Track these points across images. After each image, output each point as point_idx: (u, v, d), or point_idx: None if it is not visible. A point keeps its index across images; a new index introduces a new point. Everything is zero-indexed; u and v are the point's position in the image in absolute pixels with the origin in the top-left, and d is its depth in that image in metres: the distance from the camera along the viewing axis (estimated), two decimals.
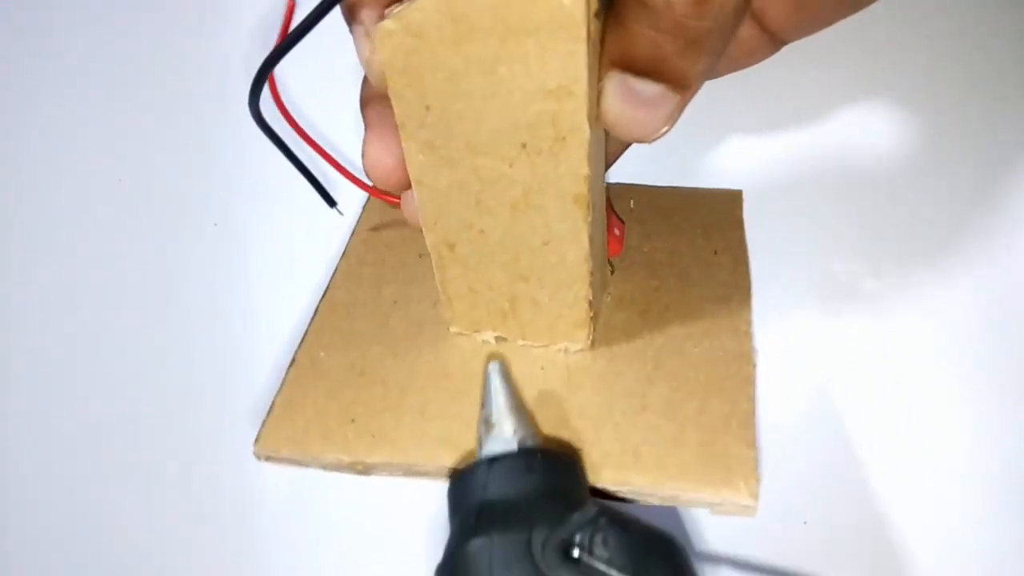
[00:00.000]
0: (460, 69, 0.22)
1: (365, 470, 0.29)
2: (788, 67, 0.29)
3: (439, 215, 0.27)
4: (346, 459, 0.28)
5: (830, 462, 0.32)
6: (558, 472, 0.24)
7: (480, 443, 0.26)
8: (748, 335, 0.30)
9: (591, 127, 0.22)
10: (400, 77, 0.22)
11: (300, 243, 0.39)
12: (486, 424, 0.26)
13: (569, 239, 0.26)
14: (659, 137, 0.22)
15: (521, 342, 0.31)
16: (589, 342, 0.30)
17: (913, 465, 0.31)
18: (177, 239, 0.41)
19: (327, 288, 0.35)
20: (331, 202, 0.34)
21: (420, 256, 0.36)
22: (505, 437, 0.25)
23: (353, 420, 0.29)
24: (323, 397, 0.30)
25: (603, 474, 0.27)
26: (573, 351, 0.31)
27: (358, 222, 0.39)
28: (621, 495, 0.27)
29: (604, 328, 0.31)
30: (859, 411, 0.33)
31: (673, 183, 0.38)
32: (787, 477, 0.32)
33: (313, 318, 0.34)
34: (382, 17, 0.22)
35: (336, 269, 0.36)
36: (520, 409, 0.26)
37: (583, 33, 0.20)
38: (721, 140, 0.41)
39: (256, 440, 0.29)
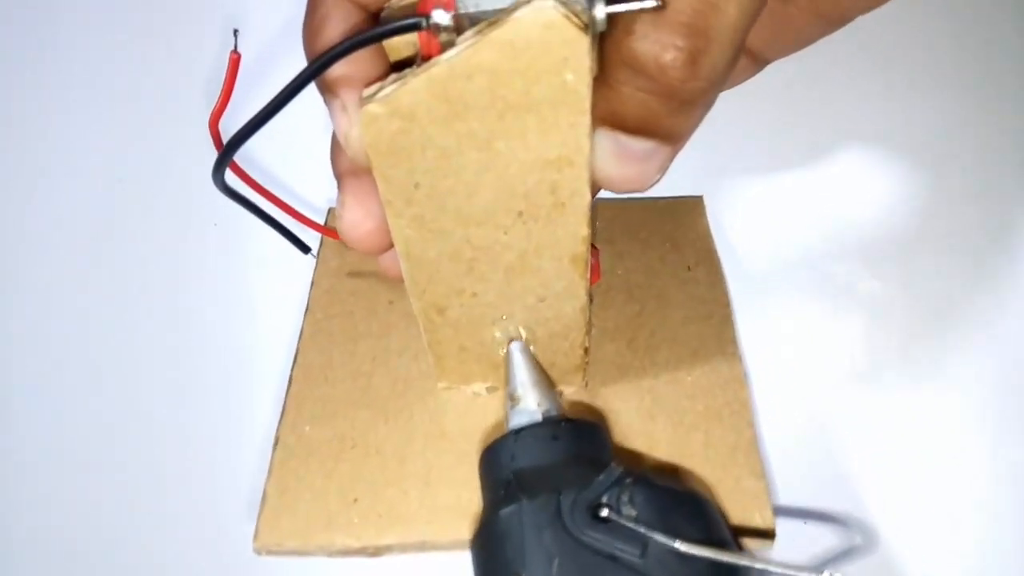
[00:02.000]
0: (452, 146, 0.20)
1: (376, 553, 0.27)
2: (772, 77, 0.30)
3: (428, 283, 0.25)
4: (355, 545, 0.26)
5: (830, 461, 0.32)
6: (582, 437, 0.25)
7: (507, 417, 0.26)
8: (736, 356, 0.31)
9: (590, 185, 0.22)
10: (386, 158, 0.21)
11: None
12: (511, 398, 0.26)
13: (566, 295, 0.25)
14: (651, 187, 0.21)
15: None
16: (584, 384, 0.30)
17: (911, 467, 0.31)
18: (177, 239, 0.41)
19: (297, 351, 0.33)
20: (305, 249, 0.32)
21: (391, 303, 0.34)
22: (530, 410, 0.25)
23: (356, 500, 0.27)
24: (319, 477, 0.27)
25: None
26: (569, 393, 0.30)
27: (316, 267, 0.36)
28: None
29: (594, 364, 0.30)
30: (857, 415, 0.33)
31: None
32: (786, 477, 0.32)
33: (288, 388, 0.31)
34: (362, 94, 0.20)
35: (302, 328, 0.34)
36: (543, 383, 0.26)
37: (586, 106, 0.19)
38: (695, 148, 0.42)
39: (255, 536, 0.27)
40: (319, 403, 0.30)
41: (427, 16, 0.17)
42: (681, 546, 0.20)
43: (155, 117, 0.42)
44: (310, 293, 0.35)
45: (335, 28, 0.20)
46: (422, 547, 0.27)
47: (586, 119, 0.19)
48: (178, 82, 0.42)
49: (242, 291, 0.40)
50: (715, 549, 0.21)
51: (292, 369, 0.32)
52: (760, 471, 0.27)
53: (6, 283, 0.42)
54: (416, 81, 0.18)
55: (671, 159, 0.21)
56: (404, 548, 0.27)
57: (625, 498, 0.22)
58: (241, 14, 0.42)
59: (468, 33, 0.18)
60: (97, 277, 0.41)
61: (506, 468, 0.24)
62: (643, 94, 0.19)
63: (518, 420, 0.26)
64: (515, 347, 0.27)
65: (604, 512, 0.22)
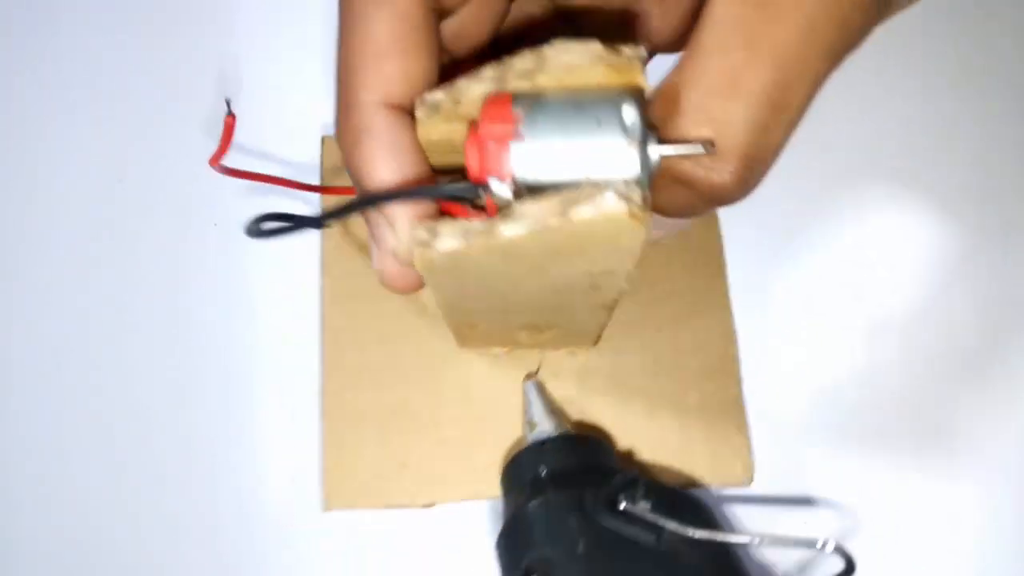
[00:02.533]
0: (505, 271, 0.21)
1: (427, 506, 0.31)
2: None
3: (463, 318, 0.27)
4: (408, 503, 0.30)
5: (829, 459, 0.32)
6: (593, 449, 0.29)
7: (525, 439, 0.30)
8: (727, 310, 0.32)
9: (628, 282, 0.22)
10: (437, 279, 0.21)
11: (300, 243, 0.39)
12: (529, 424, 0.30)
13: (593, 321, 0.28)
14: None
15: (532, 348, 0.32)
16: (595, 343, 0.32)
17: (911, 460, 0.31)
18: (177, 239, 0.41)
19: (322, 315, 0.33)
20: (319, 224, 0.31)
21: None
22: (547, 431, 0.29)
23: (404, 465, 0.30)
24: (370, 445, 0.31)
25: None
26: (581, 354, 0.32)
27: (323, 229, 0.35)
28: None
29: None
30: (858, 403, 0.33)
31: None
32: (785, 477, 0.32)
33: (322, 356, 0.32)
34: (412, 226, 0.20)
35: (322, 288, 0.34)
36: (557, 411, 0.30)
37: (636, 257, 0.20)
38: None
39: (324, 499, 0.31)
40: (353, 371, 0.32)
41: (484, 185, 0.18)
42: (694, 533, 0.24)
43: (155, 117, 0.42)
44: (322, 249, 0.35)
45: (383, 160, 0.20)
46: (468, 499, 0.31)
47: (636, 255, 0.20)
48: (178, 82, 0.42)
49: (242, 291, 0.40)
50: (722, 533, 0.24)
51: (321, 333, 0.33)
52: (743, 425, 0.30)
53: (6, 283, 0.42)
54: (477, 244, 0.18)
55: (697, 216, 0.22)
56: (452, 502, 0.31)
57: (639, 493, 0.25)
58: (242, 15, 0.42)
59: (530, 206, 0.18)
60: (97, 277, 0.41)
61: (530, 472, 0.27)
62: (689, 199, 0.19)
63: (537, 439, 0.29)
64: (529, 387, 0.30)
65: (622, 505, 0.25)
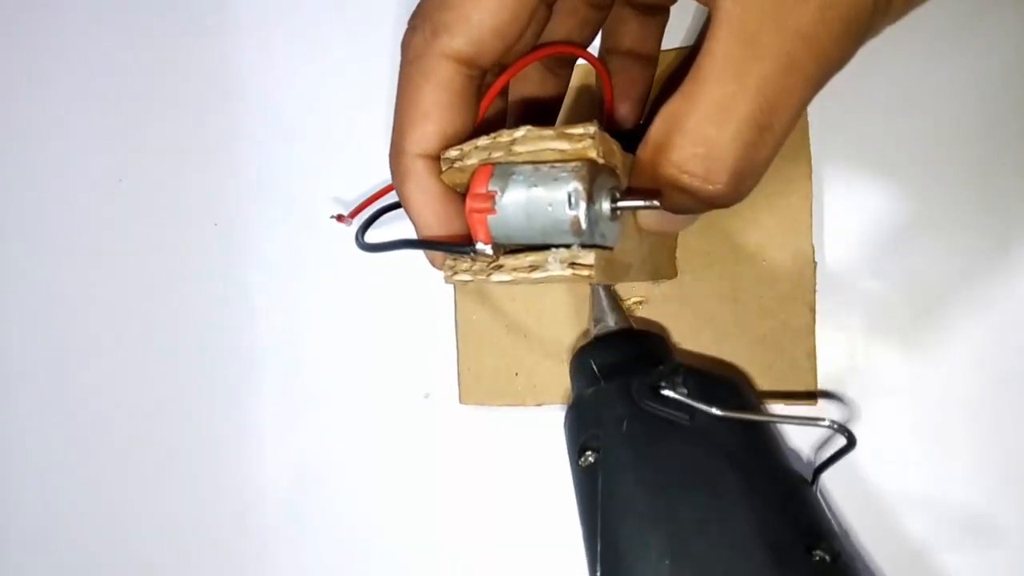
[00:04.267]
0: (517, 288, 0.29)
1: (539, 406, 0.36)
2: None
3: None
4: (522, 403, 0.36)
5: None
6: (647, 343, 0.32)
7: (590, 332, 0.33)
8: (807, 237, 0.33)
9: (630, 278, 0.28)
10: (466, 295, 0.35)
11: (300, 243, 0.39)
12: (595, 321, 0.33)
13: (643, 276, 0.31)
14: (675, 232, 0.26)
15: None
16: (675, 275, 0.34)
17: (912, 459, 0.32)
18: (177, 239, 0.41)
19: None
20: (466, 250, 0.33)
21: None
22: (609, 326, 0.32)
23: (516, 374, 0.36)
24: (491, 356, 0.36)
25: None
26: (663, 285, 0.35)
27: None
28: None
29: (685, 252, 0.34)
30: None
31: None
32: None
33: (456, 289, 0.37)
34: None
35: None
36: (618, 309, 0.33)
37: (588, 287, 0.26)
38: None
39: (460, 395, 0.37)
40: (478, 295, 0.37)
41: (472, 246, 0.24)
42: (717, 411, 0.27)
43: (156, 117, 0.42)
44: None
45: (416, 196, 0.26)
46: (566, 404, 0.35)
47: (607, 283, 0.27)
48: (179, 82, 0.42)
49: (242, 291, 0.40)
50: (741, 412, 0.29)
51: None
52: (813, 351, 0.32)
53: (7, 282, 0.42)
54: (478, 280, 0.25)
55: (694, 221, 0.26)
56: (554, 404, 0.36)
57: (679, 380, 0.28)
58: (242, 15, 0.42)
59: (509, 259, 0.24)
60: (97, 276, 0.41)
61: (590, 364, 0.31)
62: (691, 203, 0.23)
63: (598, 334, 0.33)
64: (597, 288, 0.34)
65: (664, 390, 0.28)
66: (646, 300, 0.35)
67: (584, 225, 0.23)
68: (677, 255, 0.34)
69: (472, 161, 0.25)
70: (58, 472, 0.40)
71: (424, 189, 0.25)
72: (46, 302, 0.41)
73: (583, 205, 0.23)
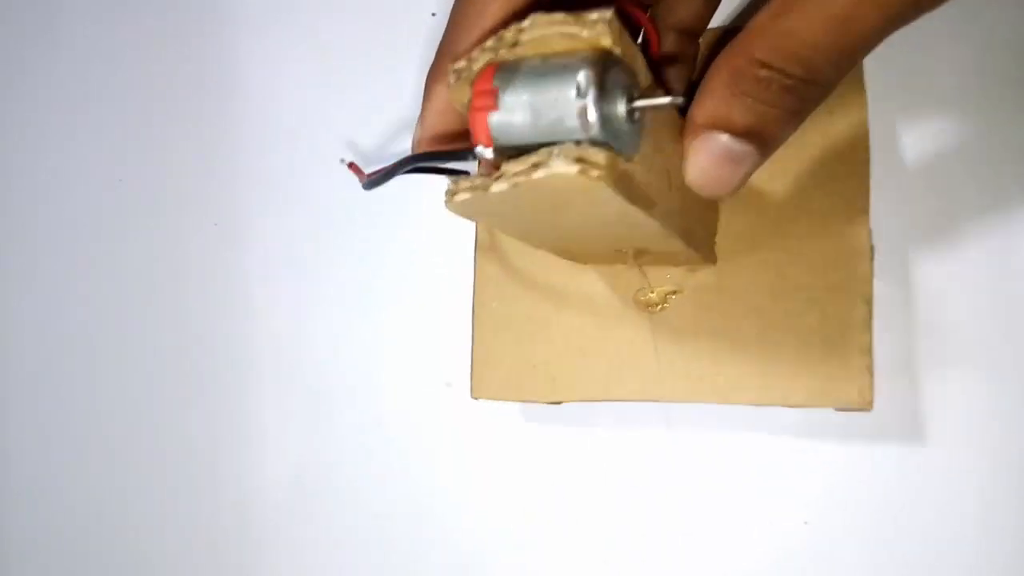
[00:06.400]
0: (527, 216, 0.25)
1: (555, 403, 0.34)
2: None
3: (545, 245, 0.30)
4: (538, 400, 0.33)
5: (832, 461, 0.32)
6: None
7: None
8: (865, 225, 0.30)
9: (657, 218, 0.24)
10: (479, 219, 0.28)
11: (300, 243, 0.39)
12: None
13: (671, 247, 0.28)
14: (729, 194, 0.24)
15: (651, 266, 0.32)
16: (713, 261, 0.31)
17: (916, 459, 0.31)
18: (177, 239, 0.41)
19: (476, 233, 0.35)
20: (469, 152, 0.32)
21: None
22: None
23: (535, 367, 0.33)
24: (509, 345, 0.34)
25: (737, 395, 0.30)
26: (699, 269, 0.32)
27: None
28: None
29: (725, 237, 0.31)
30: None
31: None
32: (788, 477, 0.32)
33: (475, 269, 0.35)
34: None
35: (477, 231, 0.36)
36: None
37: (618, 199, 0.21)
38: None
39: (471, 388, 0.34)
40: (499, 283, 0.35)
41: (472, 150, 0.22)
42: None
43: (156, 117, 0.42)
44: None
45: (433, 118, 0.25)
46: (585, 401, 0.33)
47: (625, 204, 0.22)
48: (179, 82, 0.42)
49: (242, 291, 0.40)
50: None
51: (475, 252, 0.35)
52: (867, 347, 0.29)
53: (7, 282, 0.42)
54: (478, 197, 0.22)
55: (755, 170, 0.23)
56: (573, 401, 0.33)
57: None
58: (242, 14, 0.42)
59: (511, 165, 0.21)
60: (98, 276, 0.41)
61: None
62: (756, 101, 0.22)
63: None
64: None
65: None
66: (679, 290, 0.32)
67: (593, 116, 0.20)
68: (716, 240, 0.31)
69: (479, 65, 0.22)
70: (57, 472, 0.40)
71: (444, 94, 0.24)
72: (46, 302, 0.41)
73: (593, 92, 0.20)
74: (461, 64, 0.23)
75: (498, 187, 0.21)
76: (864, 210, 0.30)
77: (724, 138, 0.22)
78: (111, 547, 0.39)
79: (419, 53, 0.38)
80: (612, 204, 0.21)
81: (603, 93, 0.20)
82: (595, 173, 0.20)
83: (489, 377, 0.34)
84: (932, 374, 0.31)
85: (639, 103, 0.21)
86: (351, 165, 0.31)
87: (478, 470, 0.37)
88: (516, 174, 0.21)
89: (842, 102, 0.31)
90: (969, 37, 0.31)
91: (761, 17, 0.22)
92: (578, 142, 0.20)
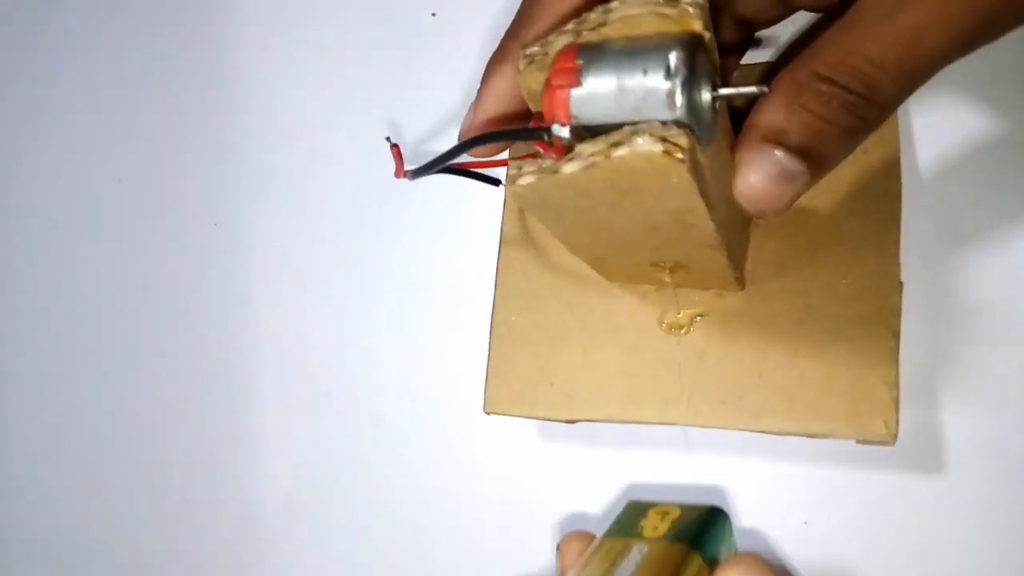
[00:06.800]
0: (585, 206, 0.23)
1: (570, 422, 0.33)
2: None
3: (585, 252, 0.29)
4: (552, 417, 0.33)
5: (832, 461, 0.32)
6: None
7: None
8: (895, 258, 0.30)
9: (714, 220, 0.24)
10: (531, 210, 0.26)
11: (300, 243, 0.39)
12: None
13: (711, 262, 0.28)
14: (774, 214, 0.23)
15: (679, 288, 0.32)
16: (741, 287, 0.31)
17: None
18: (177, 239, 0.41)
19: (499, 247, 0.35)
20: (495, 182, 0.30)
21: None
22: None
23: (552, 383, 0.33)
24: (526, 360, 0.33)
25: (760, 421, 0.30)
26: (727, 295, 0.31)
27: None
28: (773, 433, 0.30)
29: (754, 264, 0.31)
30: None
31: None
32: (788, 478, 0.32)
33: (496, 281, 0.34)
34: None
35: (502, 220, 0.35)
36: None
37: (694, 189, 0.21)
38: None
39: (484, 403, 0.33)
40: (521, 297, 0.34)
41: (548, 128, 0.21)
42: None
43: (156, 117, 0.42)
44: (506, 195, 0.35)
45: (491, 105, 0.25)
46: (603, 421, 0.32)
47: (695, 195, 0.22)
48: (179, 82, 0.42)
49: (242, 291, 0.40)
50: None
51: (498, 262, 0.35)
52: (893, 380, 0.29)
53: (7, 282, 0.42)
54: (545, 180, 0.21)
55: (805, 191, 0.23)
56: (591, 421, 0.33)
57: None
58: (242, 14, 0.42)
59: (586, 145, 0.20)
60: (97, 276, 0.41)
61: None
62: (815, 118, 0.22)
63: None
64: None
65: None
66: (706, 314, 0.31)
67: (680, 99, 0.20)
68: (746, 265, 0.31)
69: (556, 48, 0.22)
70: (57, 472, 0.40)
71: (509, 77, 0.24)
72: (46, 302, 0.41)
73: (683, 74, 0.20)
74: (535, 49, 0.22)
75: (570, 168, 0.21)
76: (895, 242, 0.30)
77: (779, 154, 0.22)
78: (111, 547, 0.39)
79: (419, 53, 0.38)
80: (683, 194, 0.21)
81: (691, 77, 0.20)
82: (679, 155, 0.19)
83: (503, 392, 0.33)
84: (942, 399, 0.31)
85: (723, 91, 0.21)
86: (394, 148, 0.29)
87: (478, 471, 0.37)
88: (592, 154, 0.20)
89: (876, 136, 0.29)
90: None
91: (828, 33, 0.22)
92: (662, 123, 0.20)
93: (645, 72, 0.20)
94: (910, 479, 0.31)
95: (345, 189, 0.39)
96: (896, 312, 0.29)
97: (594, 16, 0.21)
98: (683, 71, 0.20)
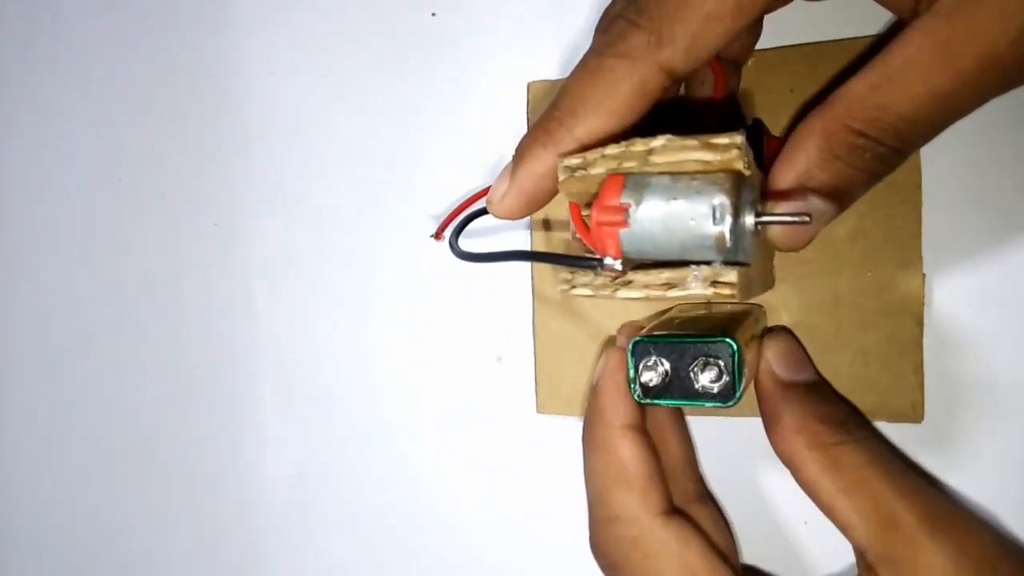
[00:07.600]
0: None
1: None
2: None
3: None
4: None
5: None
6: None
7: None
8: (917, 249, 0.32)
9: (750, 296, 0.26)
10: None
11: (300, 243, 0.39)
12: None
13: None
14: (798, 250, 0.25)
15: None
16: (772, 285, 0.33)
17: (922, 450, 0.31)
18: (177, 239, 0.41)
19: (532, 269, 0.36)
20: (594, 264, 0.30)
21: None
22: None
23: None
24: (570, 365, 0.35)
25: None
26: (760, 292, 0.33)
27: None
28: None
29: (782, 259, 0.33)
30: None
31: None
32: (788, 478, 0.32)
33: (533, 290, 0.36)
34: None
35: (531, 224, 0.36)
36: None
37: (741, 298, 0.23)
38: None
39: (537, 403, 0.35)
40: (556, 304, 0.35)
41: (601, 260, 0.23)
42: None
43: (156, 117, 0.42)
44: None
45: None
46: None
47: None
48: (179, 82, 0.42)
49: (242, 291, 0.40)
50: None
51: (531, 272, 0.36)
52: (919, 366, 0.31)
53: (7, 282, 0.42)
54: (600, 296, 0.24)
55: (824, 226, 0.24)
56: None
57: None
58: (242, 14, 0.42)
59: (640, 275, 0.23)
60: (97, 276, 0.41)
61: None
62: (842, 164, 0.23)
63: None
64: None
65: None
66: None
67: (729, 242, 0.21)
68: (775, 263, 0.33)
69: (598, 170, 0.23)
70: (57, 471, 0.40)
71: (546, 163, 0.24)
72: (46, 302, 0.41)
73: (729, 220, 0.21)
74: (575, 161, 0.23)
75: (627, 294, 0.23)
76: (916, 235, 0.32)
77: (812, 198, 0.23)
78: (111, 547, 0.39)
79: (419, 53, 0.38)
80: (728, 301, 0.24)
81: (736, 219, 0.21)
82: (727, 292, 0.22)
83: (554, 394, 0.35)
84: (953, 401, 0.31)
85: (766, 218, 0.22)
86: (438, 235, 0.33)
87: (479, 470, 0.37)
88: (647, 286, 0.23)
89: None
90: None
91: (857, 86, 0.23)
92: (707, 262, 0.22)
93: (691, 217, 0.21)
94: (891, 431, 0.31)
95: (345, 189, 0.39)
96: (919, 301, 0.31)
97: (637, 149, 0.22)
98: (729, 217, 0.21)
